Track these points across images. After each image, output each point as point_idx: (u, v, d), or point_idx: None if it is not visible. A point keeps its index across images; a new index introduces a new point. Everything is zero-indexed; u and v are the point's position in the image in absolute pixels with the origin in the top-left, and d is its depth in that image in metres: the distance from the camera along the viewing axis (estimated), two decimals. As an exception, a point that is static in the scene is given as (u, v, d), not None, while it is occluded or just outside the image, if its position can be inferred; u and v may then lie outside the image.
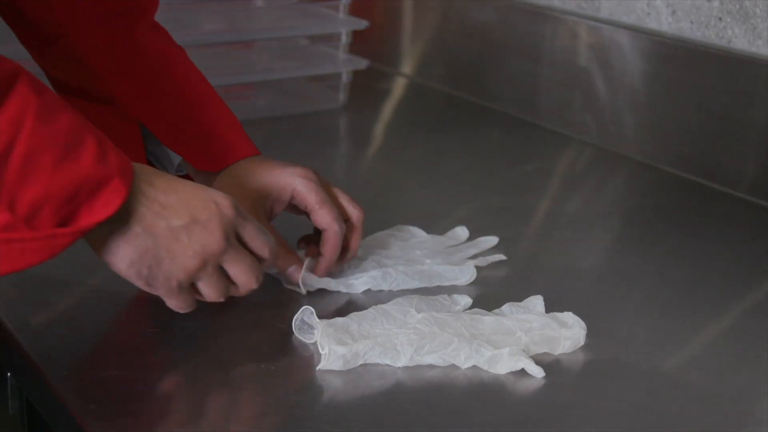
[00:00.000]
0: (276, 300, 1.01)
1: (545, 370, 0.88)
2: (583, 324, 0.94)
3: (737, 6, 1.33)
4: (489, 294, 1.01)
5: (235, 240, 0.87)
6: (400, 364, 0.89)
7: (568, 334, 0.93)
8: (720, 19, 1.35)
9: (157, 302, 0.99)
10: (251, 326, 0.96)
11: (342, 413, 0.85)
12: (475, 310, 0.96)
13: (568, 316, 0.95)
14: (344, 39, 1.66)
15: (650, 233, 1.21)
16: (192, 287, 0.88)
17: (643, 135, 1.44)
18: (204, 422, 0.83)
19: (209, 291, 0.88)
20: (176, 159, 1.08)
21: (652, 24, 1.44)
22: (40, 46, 1.06)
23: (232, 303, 1.01)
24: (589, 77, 1.51)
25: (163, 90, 1.06)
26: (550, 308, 0.97)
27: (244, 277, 0.89)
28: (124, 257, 0.84)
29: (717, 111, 1.34)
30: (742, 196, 1.31)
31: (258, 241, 0.89)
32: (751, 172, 1.30)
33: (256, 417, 0.83)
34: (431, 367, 0.89)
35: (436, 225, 1.20)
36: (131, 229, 0.83)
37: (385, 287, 1.01)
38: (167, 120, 1.06)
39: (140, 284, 0.86)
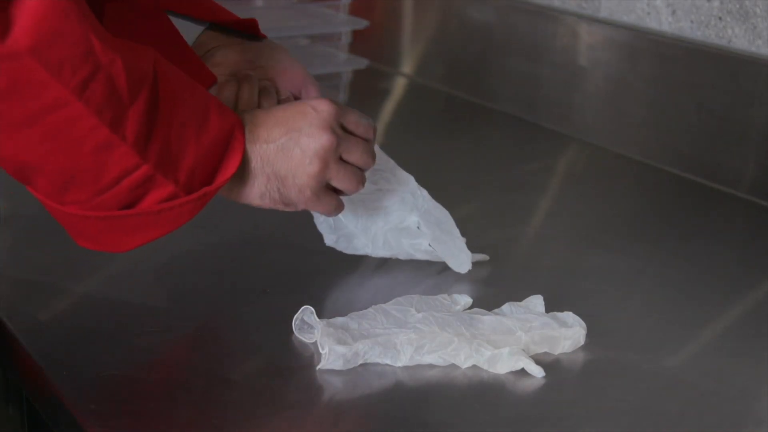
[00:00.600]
0: (276, 300, 1.01)
1: (545, 370, 0.88)
2: (583, 323, 0.94)
3: (737, 5, 1.33)
4: (489, 294, 1.01)
5: (341, 131, 0.93)
6: (400, 364, 0.89)
7: (568, 333, 0.93)
8: (720, 18, 1.35)
9: (157, 302, 0.99)
10: (251, 326, 0.96)
11: (342, 413, 0.85)
12: (475, 309, 0.96)
13: (569, 316, 0.95)
14: (344, 39, 1.67)
15: (650, 233, 1.21)
16: (329, 189, 0.94)
17: (643, 135, 1.44)
18: (204, 422, 0.83)
19: (345, 184, 0.94)
20: None
21: (652, 24, 1.44)
22: None
23: (232, 303, 1.01)
24: (589, 77, 1.51)
25: None
26: (550, 308, 0.97)
27: (363, 159, 0.95)
28: (253, 193, 0.91)
29: (717, 111, 1.34)
30: (743, 196, 1.31)
31: (362, 125, 0.95)
32: (752, 172, 1.30)
33: (256, 417, 0.83)
34: (431, 366, 0.89)
35: (436, 225, 1.20)
36: (249, 165, 0.90)
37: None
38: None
39: (281, 208, 0.93)
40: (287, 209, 0.93)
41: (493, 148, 1.53)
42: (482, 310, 0.96)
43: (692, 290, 1.07)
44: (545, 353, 0.92)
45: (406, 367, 0.89)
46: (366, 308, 0.94)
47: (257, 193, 0.91)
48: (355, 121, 0.94)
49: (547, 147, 1.51)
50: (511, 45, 1.64)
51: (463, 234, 1.07)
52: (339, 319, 0.92)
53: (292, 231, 1.14)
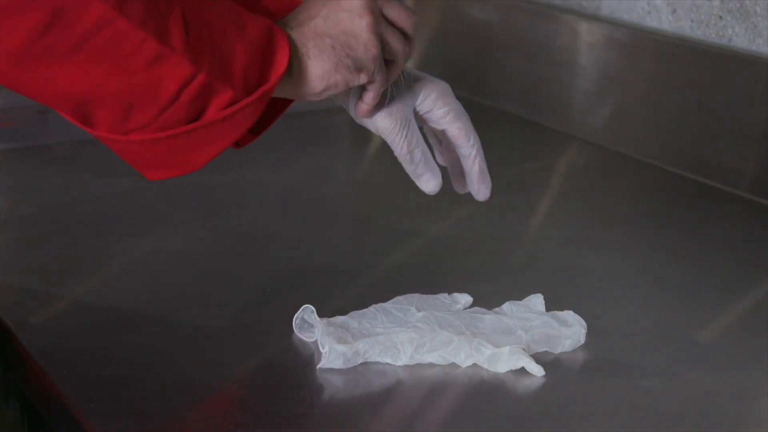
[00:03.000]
0: (276, 299, 1.01)
1: (545, 369, 0.88)
2: (583, 323, 0.94)
3: (737, 5, 1.33)
4: (489, 293, 1.01)
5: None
6: (400, 363, 0.89)
7: (568, 332, 0.93)
8: (720, 17, 1.35)
9: (157, 302, 0.99)
10: (251, 325, 0.96)
11: (343, 412, 0.85)
12: (476, 309, 0.96)
13: (569, 315, 0.95)
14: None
15: (650, 232, 1.21)
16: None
17: (643, 134, 1.44)
18: (204, 421, 0.83)
19: (396, 41, 0.91)
20: None
21: (652, 23, 1.44)
22: None
23: (232, 302, 1.01)
24: (589, 76, 1.51)
25: None
26: (550, 307, 0.97)
27: (405, 16, 0.93)
28: (326, 69, 0.87)
29: (717, 110, 1.34)
30: (743, 195, 1.31)
31: (403, 14, 0.93)
32: (752, 171, 1.30)
33: (256, 416, 0.83)
34: (431, 365, 0.89)
35: (436, 224, 1.20)
36: (308, 49, 0.87)
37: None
38: None
39: (356, 78, 0.88)
40: (362, 80, 0.89)
41: (493, 147, 1.52)
42: (482, 309, 0.96)
43: (692, 290, 1.07)
44: (545, 352, 0.92)
45: (406, 366, 0.89)
46: (366, 307, 0.95)
47: (331, 66, 0.87)
48: (396, 10, 0.93)
49: (547, 146, 1.51)
50: (512, 44, 1.64)
51: (463, 233, 1.07)
52: (339, 318, 0.92)
53: (292, 230, 1.14)
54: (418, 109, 1.00)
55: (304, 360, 0.90)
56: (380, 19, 0.90)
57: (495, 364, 0.89)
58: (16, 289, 1.02)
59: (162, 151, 0.83)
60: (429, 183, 1.00)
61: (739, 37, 1.33)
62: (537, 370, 0.88)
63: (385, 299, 0.96)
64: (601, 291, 1.06)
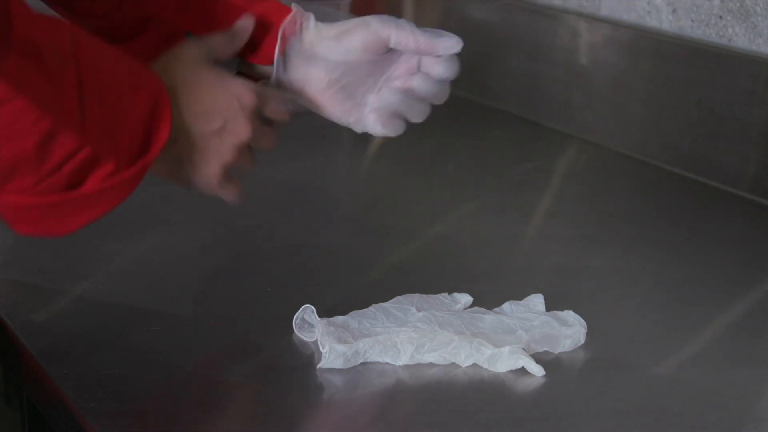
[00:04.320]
0: (276, 299, 1.01)
1: (545, 369, 0.88)
2: (583, 322, 0.94)
3: (738, 4, 1.33)
4: (489, 292, 1.01)
5: (257, 120, 0.91)
6: (400, 363, 0.89)
7: (568, 332, 0.93)
8: (720, 17, 1.35)
9: (157, 302, 0.99)
10: (251, 325, 0.96)
11: (343, 412, 0.85)
12: (476, 308, 0.96)
13: (569, 315, 0.95)
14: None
15: (650, 232, 1.21)
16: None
17: (643, 133, 1.44)
18: (204, 421, 0.83)
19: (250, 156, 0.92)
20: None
21: (652, 22, 1.44)
22: None
23: (232, 302, 1.01)
24: (589, 76, 1.51)
25: None
26: (550, 307, 0.97)
27: (268, 142, 0.93)
28: (164, 165, 0.87)
29: (717, 109, 1.34)
30: (743, 195, 1.31)
31: (279, 112, 0.94)
32: (752, 171, 1.30)
33: (256, 416, 0.83)
34: (432, 365, 0.89)
35: (436, 223, 1.20)
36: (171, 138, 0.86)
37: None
38: (208, 22, 1.03)
39: (183, 186, 0.91)
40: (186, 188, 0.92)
41: (494, 147, 1.53)
42: (483, 309, 0.96)
43: (692, 289, 1.07)
44: (545, 352, 0.92)
45: (406, 366, 0.89)
46: (366, 307, 0.94)
47: (165, 168, 0.89)
48: (274, 109, 0.94)
49: (548, 146, 1.51)
50: (512, 44, 1.64)
51: (463, 233, 1.07)
52: (339, 318, 0.92)
53: (292, 230, 1.14)
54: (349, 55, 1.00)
55: (304, 360, 0.90)
56: (243, 150, 0.90)
57: (495, 364, 0.89)
58: (16, 288, 1.02)
59: (35, 213, 0.82)
60: (451, 41, 1.00)
61: (739, 37, 1.33)
62: (537, 370, 0.88)
63: (385, 299, 0.96)
64: (601, 291, 1.06)
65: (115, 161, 0.81)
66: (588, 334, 0.94)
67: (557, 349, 0.92)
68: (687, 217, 1.27)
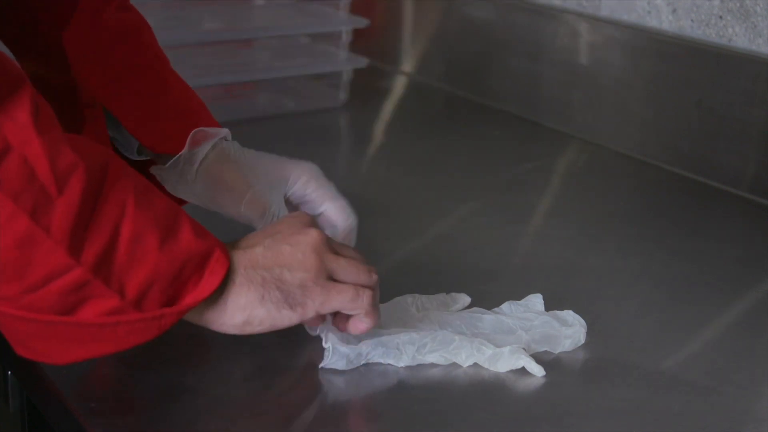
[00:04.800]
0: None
1: (546, 369, 0.88)
2: (583, 322, 0.94)
3: (738, 4, 1.33)
4: (489, 292, 1.01)
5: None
6: (402, 364, 0.89)
7: (568, 332, 0.93)
8: (720, 17, 1.35)
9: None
10: (251, 325, 0.96)
11: (343, 412, 0.85)
12: (475, 309, 0.96)
13: (569, 315, 0.95)
14: (345, 37, 1.66)
15: (650, 232, 1.21)
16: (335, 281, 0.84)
17: (643, 133, 1.44)
18: (204, 421, 0.83)
19: (351, 274, 0.85)
20: (135, 144, 1.03)
21: (652, 22, 1.44)
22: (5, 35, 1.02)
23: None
24: (589, 76, 1.51)
25: (128, 71, 1.02)
26: (550, 307, 0.97)
27: (356, 272, 0.86)
28: (252, 301, 0.81)
29: (717, 109, 1.34)
30: (743, 195, 1.31)
31: (353, 271, 0.86)
32: (752, 171, 1.30)
33: (257, 416, 0.83)
34: (432, 365, 0.89)
35: (436, 223, 1.20)
36: (236, 279, 0.81)
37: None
38: (133, 102, 1.01)
39: (285, 315, 0.82)
40: (299, 317, 0.83)
41: (494, 146, 1.53)
42: (482, 309, 0.96)
43: (692, 289, 1.07)
44: (545, 352, 0.92)
45: (407, 367, 0.89)
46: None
47: (255, 297, 0.81)
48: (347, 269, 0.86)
49: (548, 146, 1.51)
50: (512, 44, 1.64)
51: (463, 233, 1.07)
52: None
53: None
54: (289, 195, 0.98)
55: (304, 360, 0.90)
56: (328, 256, 0.84)
57: (496, 364, 0.89)
58: (16, 288, 1.02)
59: (27, 331, 0.76)
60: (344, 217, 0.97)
61: (739, 37, 1.33)
62: (537, 370, 0.88)
63: (385, 299, 0.96)
64: (601, 291, 1.06)
65: (118, 298, 0.75)
66: (588, 334, 0.94)
67: (557, 349, 0.92)
68: (687, 217, 1.27)
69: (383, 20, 1.87)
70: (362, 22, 1.67)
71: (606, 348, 0.94)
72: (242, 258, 0.82)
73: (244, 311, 0.81)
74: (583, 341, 0.93)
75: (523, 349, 0.90)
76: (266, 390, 0.87)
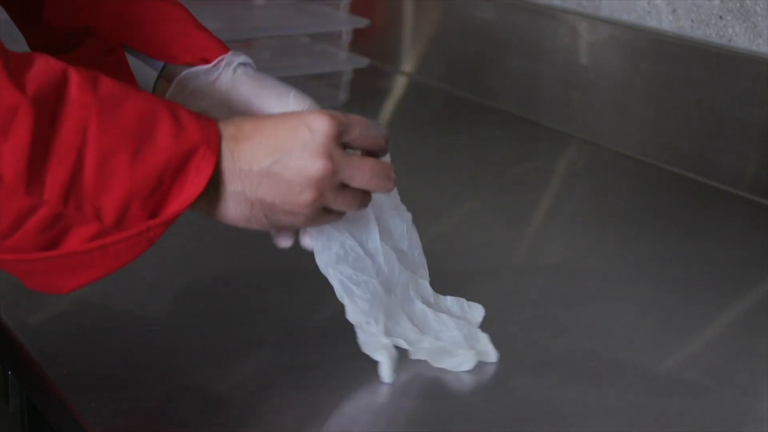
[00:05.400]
0: (277, 298, 1.01)
1: (546, 369, 0.88)
2: (490, 352, 0.90)
3: (738, 4, 1.33)
4: (489, 292, 1.01)
5: (342, 152, 0.80)
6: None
7: (461, 352, 0.89)
8: (720, 17, 1.35)
9: (157, 302, 0.99)
10: (252, 325, 0.96)
11: (343, 412, 0.85)
12: (426, 290, 0.93)
13: (483, 337, 0.91)
14: (345, 37, 1.66)
15: (650, 232, 1.21)
16: (326, 210, 0.82)
17: (643, 133, 1.44)
18: (204, 421, 0.83)
19: (346, 208, 0.82)
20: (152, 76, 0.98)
21: (652, 22, 1.44)
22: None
23: (232, 302, 1.01)
24: (589, 76, 1.51)
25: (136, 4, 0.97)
26: (551, 307, 0.97)
27: (375, 183, 0.82)
28: (236, 216, 0.80)
29: (717, 109, 1.34)
30: (743, 195, 1.31)
31: (369, 138, 0.83)
32: (752, 171, 1.30)
33: (257, 416, 0.83)
34: (432, 365, 0.89)
35: (436, 224, 1.20)
36: (227, 190, 0.78)
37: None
38: (150, 29, 0.96)
39: (271, 231, 0.84)
40: (276, 232, 0.86)
41: (494, 146, 1.53)
42: (430, 292, 0.93)
43: (692, 289, 1.07)
44: (544, 352, 0.92)
45: (406, 368, 0.89)
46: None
47: (241, 217, 0.80)
48: (360, 135, 0.82)
49: (548, 146, 1.51)
50: (512, 44, 1.64)
51: (463, 233, 1.07)
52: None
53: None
54: None
55: (304, 360, 0.90)
56: (327, 194, 0.80)
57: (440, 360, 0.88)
58: (16, 288, 1.02)
59: (24, 270, 0.76)
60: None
61: (739, 37, 1.33)
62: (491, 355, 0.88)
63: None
64: (601, 291, 1.06)
65: (98, 222, 0.74)
66: (588, 334, 0.94)
67: (437, 364, 0.89)
68: (687, 217, 1.27)
69: (383, 20, 1.87)
70: (362, 22, 1.67)
71: (606, 348, 0.94)
72: (239, 173, 0.78)
73: (231, 219, 0.81)
74: (466, 368, 0.89)
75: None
76: (266, 390, 0.87)
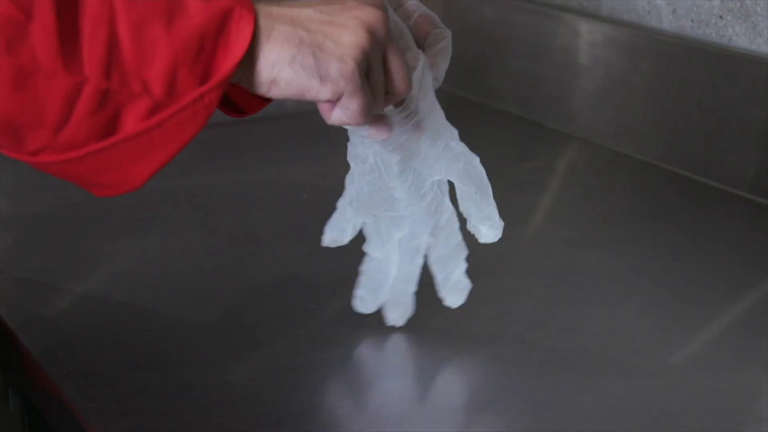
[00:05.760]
0: (277, 298, 1.01)
1: (546, 369, 0.88)
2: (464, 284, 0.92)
3: (738, 4, 1.33)
4: (489, 292, 1.01)
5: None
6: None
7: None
8: (721, 17, 1.35)
9: (157, 302, 0.99)
10: (251, 325, 0.96)
11: (343, 412, 0.85)
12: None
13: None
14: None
15: (650, 232, 1.21)
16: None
17: (643, 133, 1.44)
18: (204, 421, 0.83)
19: (395, 76, 0.79)
20: None
21: (652, 22, 1.44)
22: None
23: (233, 302, 1.01)
24: (589, 75, 1.51)
25: None
26: (550, 308, 0.97)
27: (401, 74, 0.80)
28: (281, 60, 0.73)
29: (718, 109, 1.34)
30: (743, 195, 1.31)
31: (399, 69, 0.80)
32: (752, 171, 1.30)
33: (257, 416, 0.83)
34: (432, 366, 0.89)
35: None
36: (272, 33, 0.73)
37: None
38: None
39: (315, 87, 0.75)
40: (324, 89, 0.75)
41: (493, 146, 1.53)
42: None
43: (692, 290, 1.07)
44: (544, 348, 0.92)
45: (406, 366, 0.89)
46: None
47: (287, 56, 0.73)
48: (397, 60, 0.79)
49: (548, 146, 1.51)
50: (512, 43, 1.64)
51: (463, 233, 1.07)
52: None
53: (292, 230, 1.14)
54: None
55: (304, 360, 0.90)
56: (377, 48, 0.77)
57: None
58: (16, 288, 1.02)
59: (89, 169, 0.73)
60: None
61: (740, 37, 1.33)
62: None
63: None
64: (601, 291, 1.06)
65: (148, 96, 0.70)
66: (588, 334, 0.94)
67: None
68: (687, 218, 1.27)
69: (383, 20, 1.87)
70: (362, 22, 1.66)
71: (606, 348, 0.94)
72: (282, 14, 0.74)
73: (272, 69, 0.74)
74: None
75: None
76: (267, 390, 0.87)
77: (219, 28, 0.71)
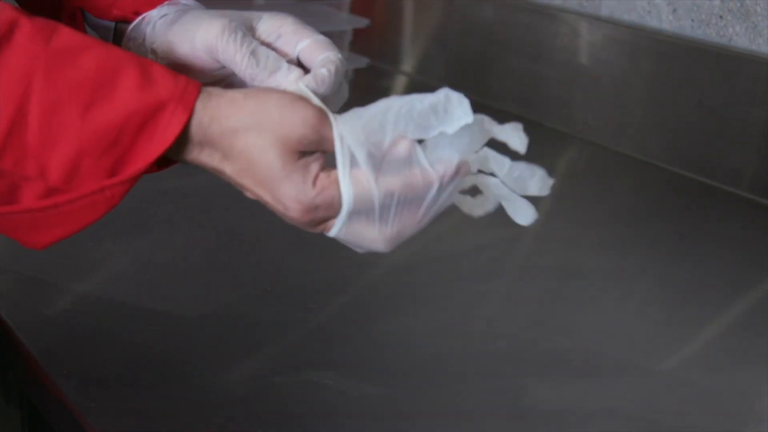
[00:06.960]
0: (277, 298, 1.01)
1: (546, 369, 0.88)
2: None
3: (738, 4, 1.33)
4: (489, 292, 1.01)
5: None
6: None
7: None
8: (721, 17, 1.35)
9: (157, 302, 0.99)
10: (251, 325, 0.96)
11: (343, 412, 0.85)
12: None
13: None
14: (345, 37, 1.66)
15: (650, 232, 1.21)
16: None
17: (643, 133, 1.44)
18: (205, 421, 0.83)
19: None
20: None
21: (653, 22, 1.44)
22: None
23: (232, 302, 1.01)
24: (590, 75, 1.51)
25: None
26: (550, 308, 0.97)
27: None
28: (209, 167, 0.74)
29: (718, 109, 1.34)
30: (743, 194, 1.31)
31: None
32: (752, 170, 1.30)
33: (257, 416, 0.83)
34: (431, 366, 0.89)
35: (436, 224, 1.20)
36: (204, 149, 0.72)
37: None
38: None
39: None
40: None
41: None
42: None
43: (692, 289, 1.07)
44: (543, 347, 0.92)
45: (405, 368, 0.89)
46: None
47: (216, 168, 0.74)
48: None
49: (548, 145, 1.51)
50: (512, 43, 1.64)
51: (463, 233, 1.07)
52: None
53: (292, 230, 1.13)
54: (260, 32, 0.84)
55: (304, 360, 0.90)
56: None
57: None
58: (16, 287, 1.02)
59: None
60: (289, 76, 0.81)
61: (740, 37, 1.33)
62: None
63: (385, 299, 0.96)
64: (601, 291, 1.06)
65: (42, 182, 0.69)
66: (588, 334, 0.94)
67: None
68: (687, 217, 1.27)
69: (383, 20, 1.87)
70: (362, 22, 1.67)
71: (606, 348, 0.94)
72: (220, 137, 0.72)
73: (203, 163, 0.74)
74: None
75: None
76: (266, 390, 0.87)
77: (143, 122, 0.69)
